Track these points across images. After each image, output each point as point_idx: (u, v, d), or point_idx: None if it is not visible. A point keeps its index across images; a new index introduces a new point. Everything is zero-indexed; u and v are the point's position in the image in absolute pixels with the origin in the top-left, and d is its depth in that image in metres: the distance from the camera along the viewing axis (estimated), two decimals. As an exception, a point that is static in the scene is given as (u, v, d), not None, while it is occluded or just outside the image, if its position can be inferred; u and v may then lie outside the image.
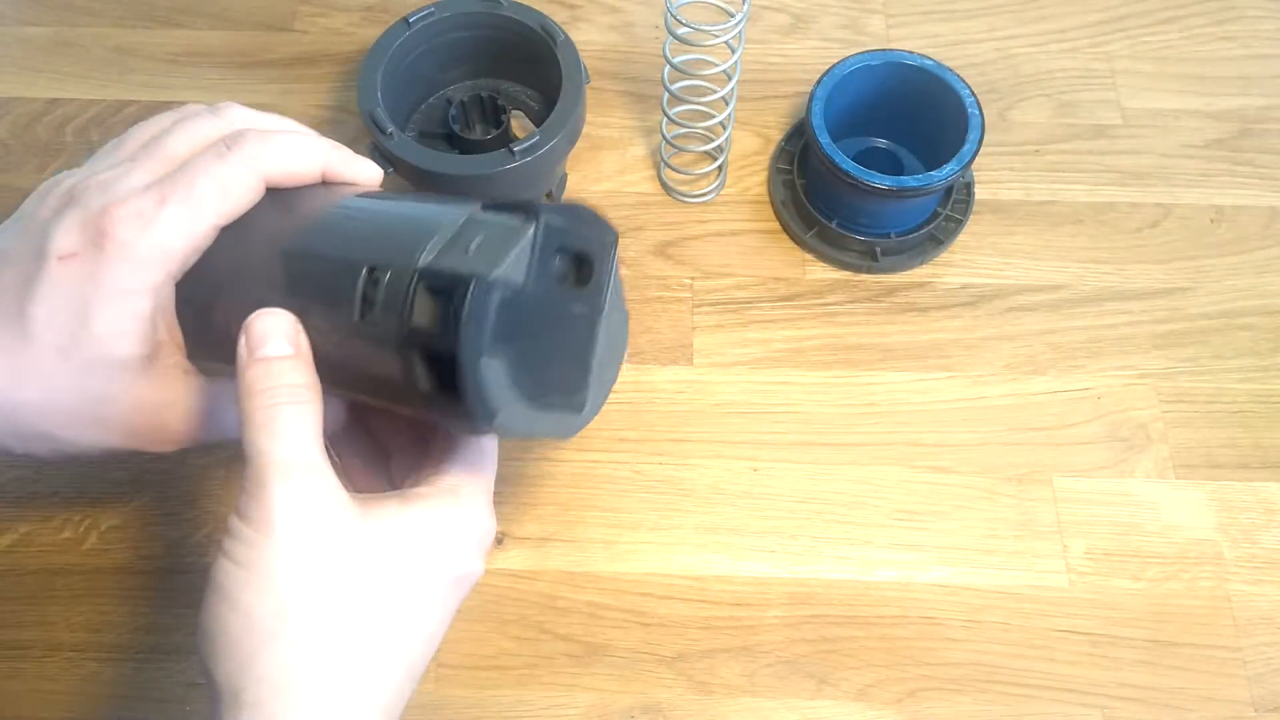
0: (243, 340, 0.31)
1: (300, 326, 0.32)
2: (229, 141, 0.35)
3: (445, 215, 0.31)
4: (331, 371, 0.32)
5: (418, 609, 0.32)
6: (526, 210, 0.30)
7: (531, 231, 0.30)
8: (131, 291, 0.34)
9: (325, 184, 0.37)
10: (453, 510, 0.33)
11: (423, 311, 0.29)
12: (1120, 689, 0.50)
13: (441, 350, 0.29)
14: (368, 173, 0.38)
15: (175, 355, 0.36)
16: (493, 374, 0.29)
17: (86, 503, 0.54)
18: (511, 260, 0.29)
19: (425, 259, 0.30)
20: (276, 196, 0.36)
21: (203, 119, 0.37)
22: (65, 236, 0.33)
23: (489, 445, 0.36)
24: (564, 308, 0.32)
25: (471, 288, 0.28)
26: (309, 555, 0.30)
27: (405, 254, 0.30)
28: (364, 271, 0.31)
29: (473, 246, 0.29)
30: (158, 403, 0.35)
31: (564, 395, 0.33)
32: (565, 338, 0.32)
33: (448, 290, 0.29)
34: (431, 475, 0.34)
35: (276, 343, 0.31)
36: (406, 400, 0.32)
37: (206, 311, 0.35)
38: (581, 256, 0.32)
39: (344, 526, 0.31)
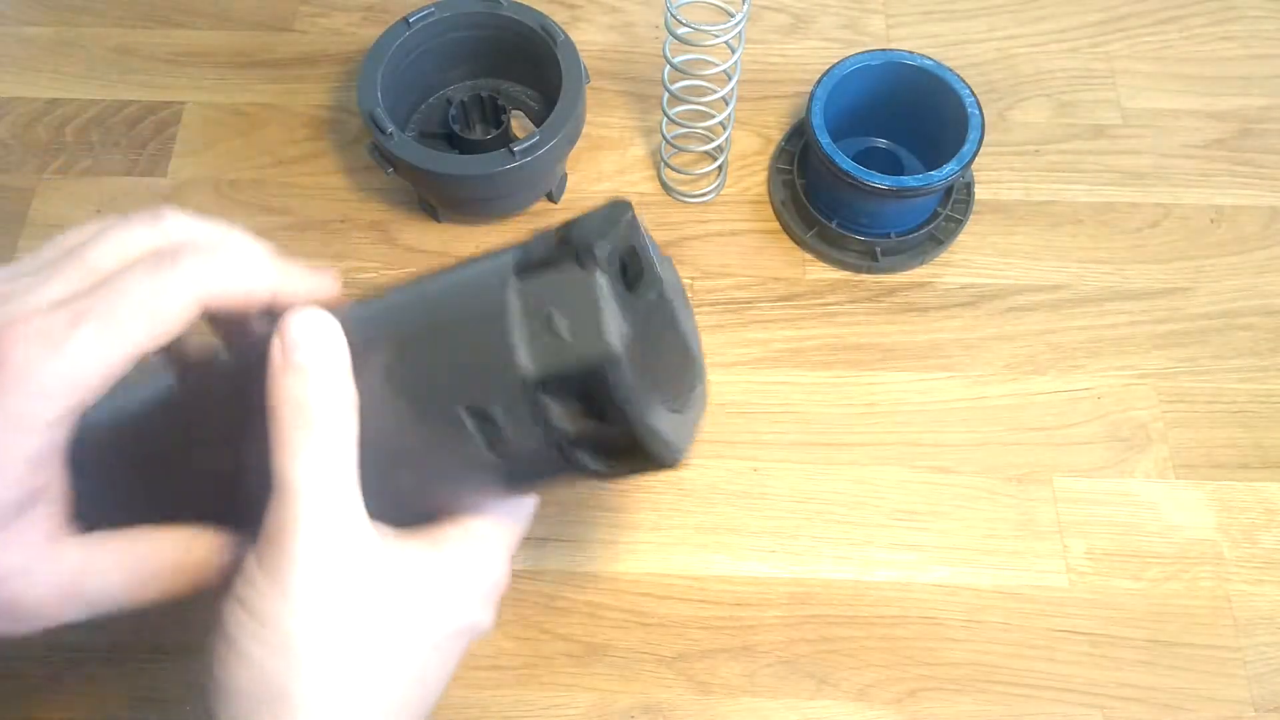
0: (277, 342, 0.28)
1: (342, 332, 0.29)
2: (164, 255, 0.30)
3: (484, 305, 0.28)
4: (425, 497, 0.31)
5: (425, 663, 0.31)
6: (577, 253, 0.27)
7: (599, 275, 0.27)
8: (21, 426, 0.28)
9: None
10: (470, 556, 0.31)
11: (567, 418, 0.27)
12: (1120, 689, 0.50)
13: (609, 436, 0.27)
14: (323, 290, 0.33)
15: (52, 507, 0.30)
16: (658, 419, 0.28)
17: (86, 503, 0.54)
18: (609, 316, 0.27)
19: (526, 368, 0.27)
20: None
21: (134, 228, 0.31)
22: None
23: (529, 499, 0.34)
24: (649, 309, 0.30)
25: (609, 372, 0.26)
26: (326, 611, 0.28)
27: (492, 378, 0.27)
28: (464, 415, 0.28)
29: (561, 327, 0.27)
30: (12, 569, 0.29)
31: (690, 387, 0.31)
32: (663, 333, 0.31)
33: (583, 387, 0.27)
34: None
35: (319, 348, 0.28)
36: (557, 484, 0.30)
37: (125, 456, 0.31)
38: (627, 252, 0.30)
39: (365, 578, 0.29)
